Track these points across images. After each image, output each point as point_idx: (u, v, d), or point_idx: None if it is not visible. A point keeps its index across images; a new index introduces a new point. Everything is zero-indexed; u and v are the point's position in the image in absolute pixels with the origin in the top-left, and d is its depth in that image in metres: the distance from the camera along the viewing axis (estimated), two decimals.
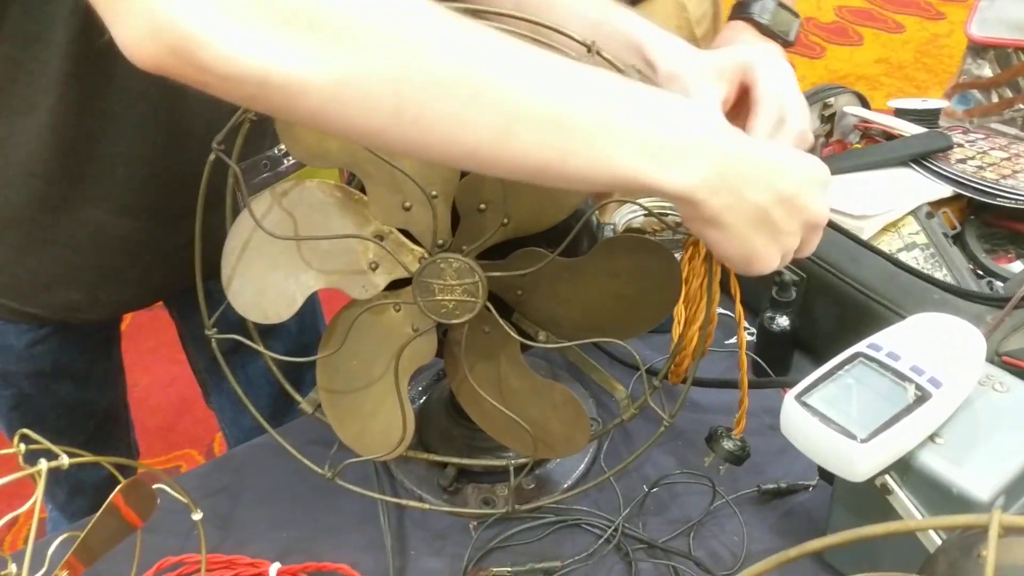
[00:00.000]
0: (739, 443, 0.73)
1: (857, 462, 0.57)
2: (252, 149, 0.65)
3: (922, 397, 0.58)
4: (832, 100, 1.11)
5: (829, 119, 1.11)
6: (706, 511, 0.76)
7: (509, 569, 0.71)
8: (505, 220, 0.61)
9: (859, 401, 0.59)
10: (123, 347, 1.08)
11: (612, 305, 0.63)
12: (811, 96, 1.10)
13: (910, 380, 0.59)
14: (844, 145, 1.12)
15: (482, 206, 0.61)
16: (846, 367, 0.62)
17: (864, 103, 1.14)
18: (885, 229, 0.91)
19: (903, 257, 0.88)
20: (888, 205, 0.91)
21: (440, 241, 0.63)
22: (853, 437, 0.57)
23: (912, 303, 0.80)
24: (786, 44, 0.93)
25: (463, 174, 0.61)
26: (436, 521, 0.77)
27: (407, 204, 0.62)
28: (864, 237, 0.89)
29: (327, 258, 0.64)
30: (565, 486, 0.76)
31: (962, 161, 0.94)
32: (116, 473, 0.59)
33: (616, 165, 0.48)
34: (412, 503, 0.72)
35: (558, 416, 0.66)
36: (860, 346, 0.63)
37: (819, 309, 0.85)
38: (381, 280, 0.64)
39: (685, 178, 0.49)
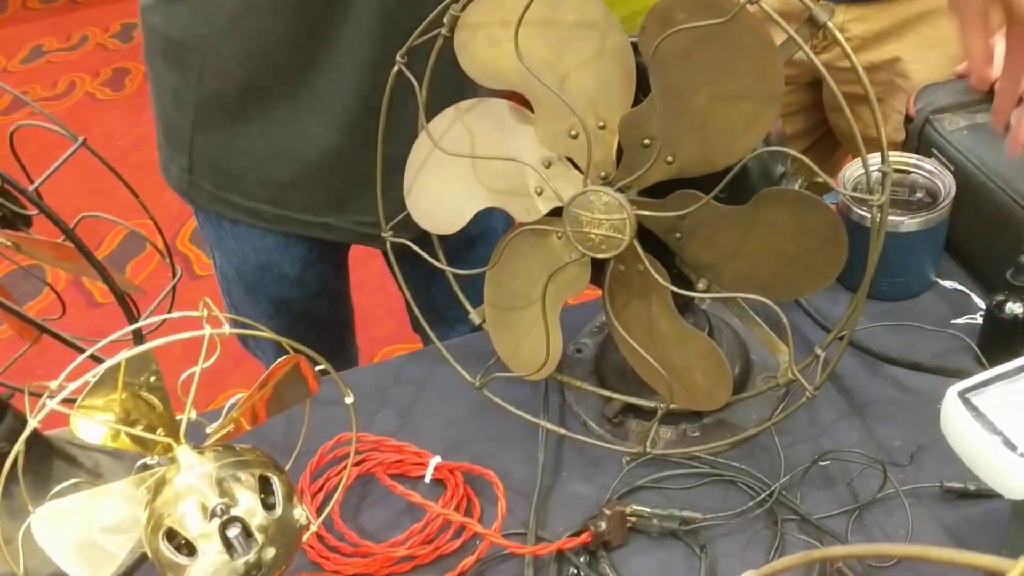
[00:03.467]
0: None
1: (1014, 477, 0.50)
2: (441, 63, 0.67)
3: None
4: None
5: None
6: (873, 497, 0.70)
7: (648, 509, 0.71)
8: (670, 158, 0.59)
9: None
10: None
11: (773, 261, 0.59)
12: None
13: None
14: None
15: (646, 141, 0.59)
16: None
17: None
18: None
19: None
20: None
21: (603, 174, 0.62)
22: (1013, 448, 0.50)
23: None
24: None
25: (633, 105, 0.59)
26: (595, 450, 0.78)
27: (573, 132, 0.61)
28: None
29: (498, 178, 0.65)
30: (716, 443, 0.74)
31: None
32: (287, 347, 0.66)
33: None
34: (551, 426, 0.73)
35: (701, 367, 0.64)
36: None
37: None
38: (543, 205, 0.64)
39: None
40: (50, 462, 0.74)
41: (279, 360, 0.63)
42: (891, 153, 0.85)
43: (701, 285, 0.63)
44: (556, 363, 0.69)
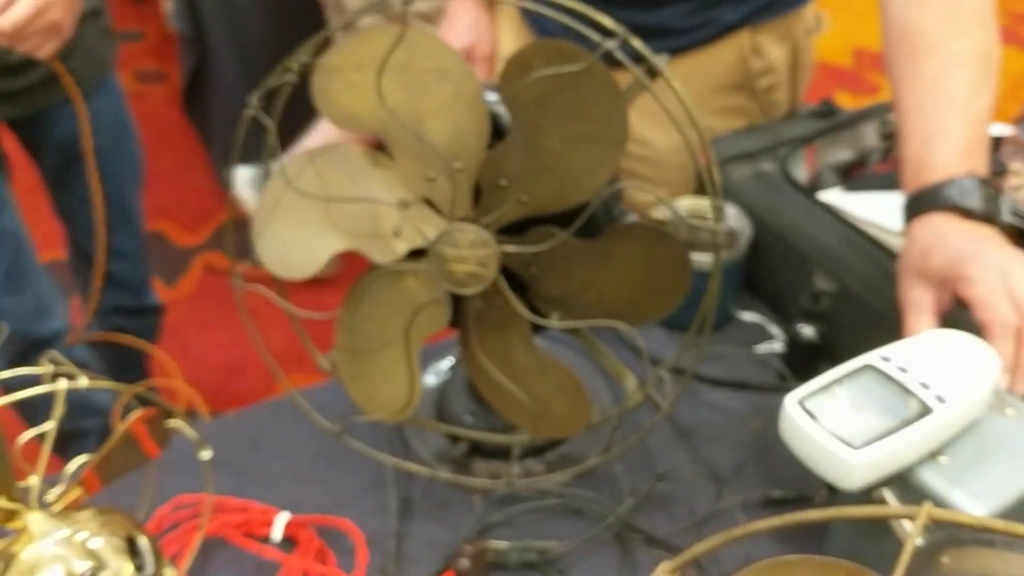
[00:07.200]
0: None
1: (850, 470, 0.56)
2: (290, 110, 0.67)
3: (924, 411, 0.57)
4: (891, 118, 1.09)
5: (888, 137, 1.09)
6: (709, 511, 0.76)
7: (506, 544, 0.73)
8: (524, 198, 0.63)
9: (861, 410, 0.59)
10: (181, 310, 1.15)
11: (624, 291, 0.64)
12: (870, 112, 1.08)
13: (914, 394, 0.58)
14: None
15: (503, 182, 0.62)
16: (854, 376, 0.61)
17: None
18: None
19: None
20: None
21: (460, 215, 0.64)
22: (848, 444, 0.57)
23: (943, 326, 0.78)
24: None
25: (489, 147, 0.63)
26: (443, 493, 0.79)
27: (431, 175, 0.63)
28: None
29: (353, 221, 0.66)
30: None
31: (1015, 189, 0.92)
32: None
33: None
34: (414, 466, 0.73)
35: (561, 396, 0.67)
36: (871, 356, 0.62)
37: (850, 322, 0.84)
38: (401, 247, 0.65)
39: None
40: None
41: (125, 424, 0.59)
42: (695, 199, 0.95)
43: (554, 317, 0.67)
44: (417, 402, 0.69)
